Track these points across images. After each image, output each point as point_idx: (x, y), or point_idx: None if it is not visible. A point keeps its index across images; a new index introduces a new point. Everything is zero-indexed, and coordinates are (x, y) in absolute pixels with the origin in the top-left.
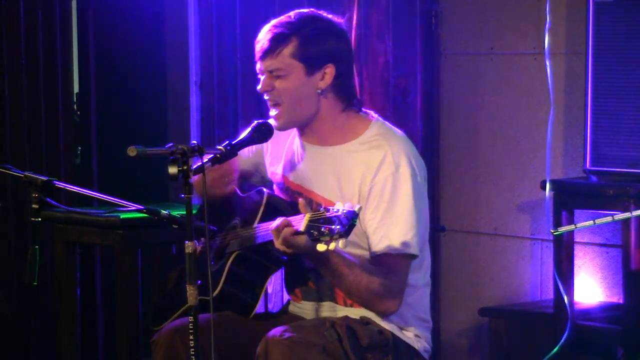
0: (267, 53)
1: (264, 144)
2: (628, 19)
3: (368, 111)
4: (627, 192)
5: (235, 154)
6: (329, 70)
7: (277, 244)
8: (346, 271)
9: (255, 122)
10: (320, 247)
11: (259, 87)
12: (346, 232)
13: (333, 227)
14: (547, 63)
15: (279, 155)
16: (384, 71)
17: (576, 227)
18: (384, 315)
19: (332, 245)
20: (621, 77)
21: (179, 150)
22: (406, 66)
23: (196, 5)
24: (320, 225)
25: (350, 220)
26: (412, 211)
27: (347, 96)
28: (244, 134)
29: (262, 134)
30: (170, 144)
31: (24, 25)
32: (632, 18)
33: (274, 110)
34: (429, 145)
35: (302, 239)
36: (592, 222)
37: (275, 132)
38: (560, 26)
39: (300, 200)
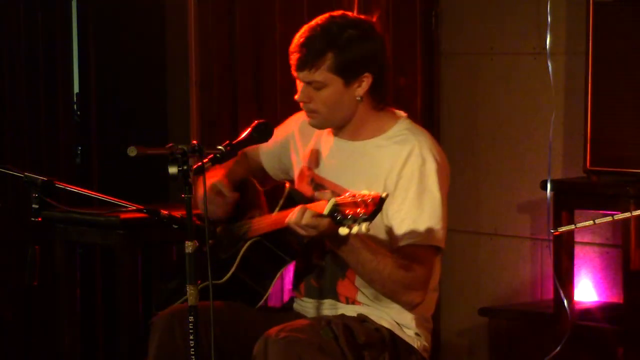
0: (304, 67)
1: (291, 136)
2: (628, 19)
3: (399, 111)
4: (627, 192)
5: (236, 154)
6: (367, 79)
7: (299, 228)
8: (369, 257)
9: (256, 122)
10: (343, 230)
11: (296, 96)
12: (371, 216)
13: (358, 210)
14: (549, 63)
15: (305, 146)
16: None
17: (576, 227)
18: (407, 307)
19: (355, 229)
20: (621, 77)
21: (179, 150)
22: (406, 66)
23: (196, 5)
24: (345, 208)
25: (376, 205)
26: (439, 205)
27: (381, 96)
28: (243, 134)
29: (262, 133)
30: (170, 144)
31: (24, 25)
32: (632, 18)
33: (308, 114)
34: None
35: (325, 222)
36: (592, 222)
37: (303, 124)
38: (560, 26)
39: (316, 192)
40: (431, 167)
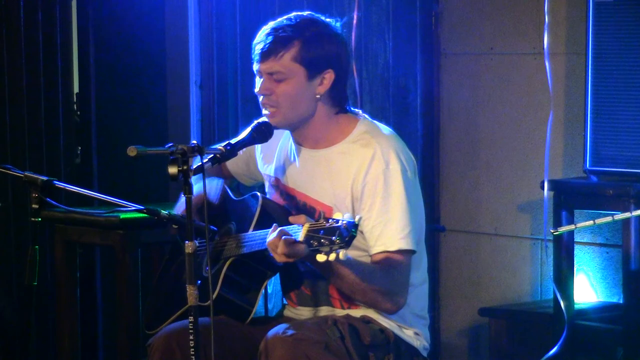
0: (268, 55)
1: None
2: (628, 19)
3: (355, 110)
4: (627, 192)
5: (236, 154)
6: (328, 76)
7: (276, 255)
8: (347, 271)
9: (255, 122)
10: (320, 257)
11: (256, 89)
12: (347, 243)
13: (333, 238)
14: (547, 63)
15: (271, 156)
16: (384, 71)
17: (576, 227)
18: (389, 313)
19: (332, 256)
20: (621, 77)
21: (179, 150)
22: (406, 66)
23: (196, 5)
24: (320, 236)
25: (350, 231)
26: (406, 207)
27: (340, 100)
28: (244, 134)
29: (262, 133)
30: (170, 144)
31: (24, 25)
32: (632, 18)
33: (268, 110)
34: (429, 145)
35: (301, 248)
36: (592, 222)
37: None
38: (560, 26)
39: (290, 217)
40: (395, 169)
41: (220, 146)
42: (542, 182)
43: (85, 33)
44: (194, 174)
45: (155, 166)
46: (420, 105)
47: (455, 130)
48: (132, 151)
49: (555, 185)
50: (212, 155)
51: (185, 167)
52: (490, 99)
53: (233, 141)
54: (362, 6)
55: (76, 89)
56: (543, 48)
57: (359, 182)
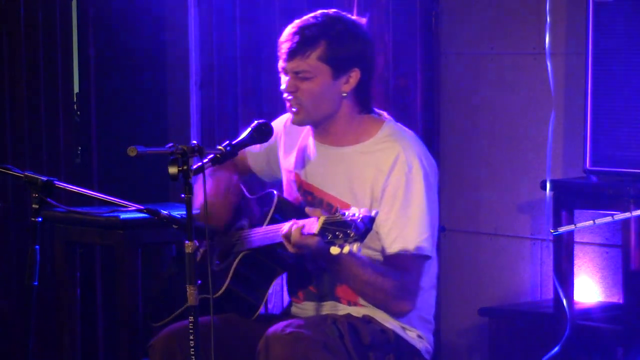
0: (295, 55)
1: (277, 139)
2: (628, 19)
3: (381, 112)
4: (627, 192)
5: (236, 154)
6: (354, 74)
7: (289, 246)
8: (359, 271)
9: (256, 122)
10: (334, 250)
11: (282, 86)
12: (362, 236)
13: (348, 231)
14: (548, 63)
15: (291, 151)
16: (384, 71)
17: (576, 227)
18: (398, 316)
19: (346, 249)
20: (621, 77)
21: (179, 150)
22: (406, 66)
23: (196, 5)
24: (336, 228)
25: (367, 225)
26: (425, 212)
27: (365, 99)
28: (244, 134)
29: (262, 134)
30: (170, 144)
31: (24, 25)
32: (632, 18)
33: (294, 108)
34: (429, 146)
35: (315, 241)
36: (592, 222)
37: (289, 127)
38: (560, 26)
39: (307, 208)
40: (417, 174)
41: (220, 146)
42: (543, 182)
43: (85, 33)
44: (194, 174)
45: (155, 166)
46: (420, 105)
47: (456, 130)
48: (132, 151)
49: (555, 185)
50: (212, 155)
51: (185, 167)
52: (491, 99)
53: (233, 141)
54: (362, 6)
55: (76, 89)
56: (543, 48)
57: (380, 184)
